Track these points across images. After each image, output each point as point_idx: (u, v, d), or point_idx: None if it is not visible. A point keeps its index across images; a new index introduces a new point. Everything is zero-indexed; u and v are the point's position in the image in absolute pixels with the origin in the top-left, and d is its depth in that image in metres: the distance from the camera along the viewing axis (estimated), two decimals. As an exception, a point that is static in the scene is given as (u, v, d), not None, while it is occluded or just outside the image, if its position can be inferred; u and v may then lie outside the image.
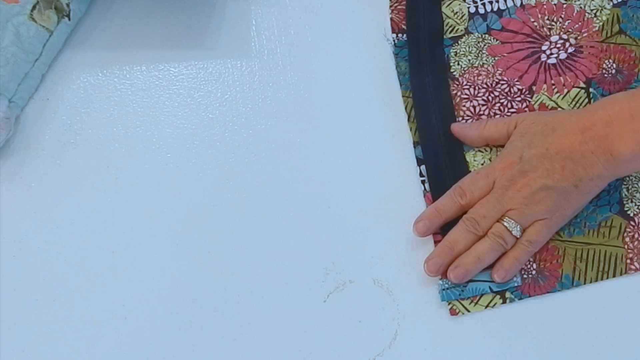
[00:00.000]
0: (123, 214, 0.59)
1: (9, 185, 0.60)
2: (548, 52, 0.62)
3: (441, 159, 0.59)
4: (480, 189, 0.54)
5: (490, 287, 0.55)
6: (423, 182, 0.58)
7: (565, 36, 0.62)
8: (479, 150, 0.59)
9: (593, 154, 0.51)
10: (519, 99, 0.61)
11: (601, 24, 0.62)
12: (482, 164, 0.59)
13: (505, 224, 0.53)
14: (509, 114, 0.60)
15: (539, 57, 0.62)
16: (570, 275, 0.56)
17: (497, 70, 0.62)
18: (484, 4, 0.64)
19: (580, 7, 0.63)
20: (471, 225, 0.53)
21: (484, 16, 0.63)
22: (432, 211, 0.55)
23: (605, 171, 0.52)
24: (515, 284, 0.55)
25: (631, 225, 0.57)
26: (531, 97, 0.60)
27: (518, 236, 0.53)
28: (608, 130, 0.51)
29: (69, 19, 0.63)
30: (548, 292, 0.55)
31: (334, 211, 0.58)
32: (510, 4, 0.63)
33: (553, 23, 0.63)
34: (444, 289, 0.55)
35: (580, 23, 0.62)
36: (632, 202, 0.57)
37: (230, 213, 0.58)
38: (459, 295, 0.55)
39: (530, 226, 0.53)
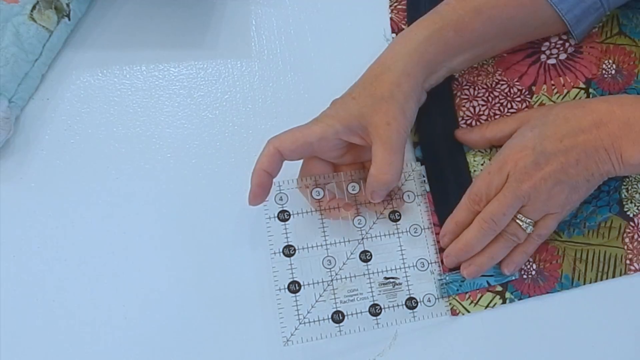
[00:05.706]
0: (123, 214, 0.59)
1: (9, 185, 0.60)
2: (548, 52, 0.62)
3: (442, 160, 0.59)
4: (496, 189, 0.53)
5: (487, 282, 0.55)
6: (423, 181, 0.58)
7: (564, 36, 0.62)
8: (479, 151, 0.59)
9: (606, 151, 0.51)
10: (518, 99, 0.61)
11: (601, 24, 0.62)
12: (482, 164, 0.59)
13: (519, 222, 0.53)
14: (508, 114, 0.60)
15: (539, 58, 0.62)
16: (570, 276, 0.56)
17: (497, 70, 0.62)
18: (484, 4, 0.64)
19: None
20: (489, 228, 0.53)
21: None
22: (452, 226, 0.55)
23: (613, 170, 0.52)
24: (513, 277, 0.55)
25: (631, 226, 0.57)
26: (531, 98, 0.61)
27: (530, 232, 0.53)
28: (625, 132, 0.51)
29: (69, 19, 0.63)
30: (548, 293, 0.55)
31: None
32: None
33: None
34: (445, 283, 0.55)
35: (580, 23, 0.62)
36: (631, 202, 0.57)
37: (230, 213, 0.58)
38: (457, 290, 0.55)
39: (540, 220, 0.53)
